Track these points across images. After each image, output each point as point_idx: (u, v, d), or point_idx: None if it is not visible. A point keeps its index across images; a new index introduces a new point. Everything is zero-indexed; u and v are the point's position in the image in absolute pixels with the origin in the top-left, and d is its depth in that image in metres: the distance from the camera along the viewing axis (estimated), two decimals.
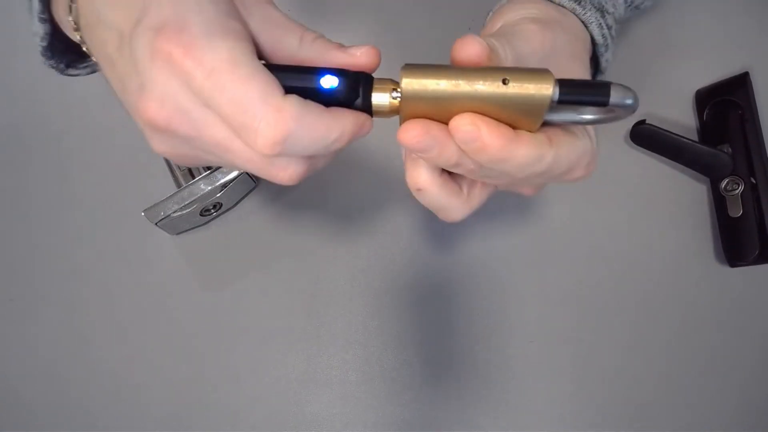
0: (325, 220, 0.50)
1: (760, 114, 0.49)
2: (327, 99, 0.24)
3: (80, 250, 0.50)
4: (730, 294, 0.49)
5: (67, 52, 0.33)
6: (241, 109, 0.22)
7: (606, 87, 0.23)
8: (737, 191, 0.47)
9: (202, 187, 0.45)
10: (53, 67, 0.34)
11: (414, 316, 0.48)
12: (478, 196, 0.29)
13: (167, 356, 0.47)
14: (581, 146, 0.27)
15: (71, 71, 0.35)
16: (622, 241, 0.50)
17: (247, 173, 0.46)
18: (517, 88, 0.23)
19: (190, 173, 0.48)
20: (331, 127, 0.24)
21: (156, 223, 0.45)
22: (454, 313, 0.48)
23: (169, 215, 0.45)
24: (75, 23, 0.27)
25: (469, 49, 0.24)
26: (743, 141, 0.48)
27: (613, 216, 0.50)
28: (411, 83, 0.23)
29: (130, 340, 0.48)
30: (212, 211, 0.48)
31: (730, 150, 0.48)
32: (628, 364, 0.47)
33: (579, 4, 0.34)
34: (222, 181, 0.45)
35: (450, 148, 0.24)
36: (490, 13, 0.35)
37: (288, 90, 0.23)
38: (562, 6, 0.34)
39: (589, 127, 0.28)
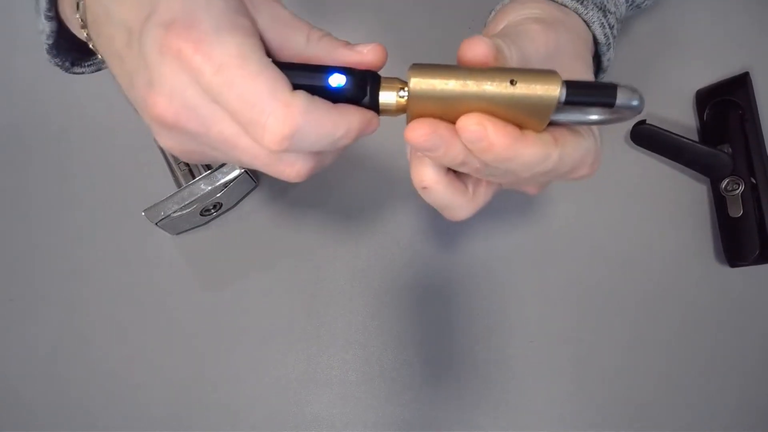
0: (325, 220, 0.50)
1: (760, 114, 0.49)
2: (335, 97, 0.24)
3: (80, 250, 0.50)
4: (730, 294, 0.49)
5: (72, 50, 0.34)
6: (249, 104, 0.22)
7: (612, 88, 0.23)
8: (737, 191, 0.47)
9: (202, 187, 0.45)
10: (58, 65, 0.34)
11: (414, 316, 0.48)
12: (483, 195, 0.29)
13: (167, 356, 0.47)
14: (586, 145, 0.27)
15: (76, 69, 0.35)
16: (622, 241, 0.50)
17: (247, 173, 0.46)
18: (524, 89, 0.23)
19: (191, 173, 0.48)
20: (338, 123, 0.24)
21: (156, 223, 0.45)
22: (454, 313, 0.48)
23: (169, 215, 0.45)
24: (82, 20, 0.27)
25: (477, 49, 0.25)
26: (743, 141, 0.48)
27: (613, 216, 0.50)
28: (419, 83, 0.23)
29: (130, 340, 0.48)
30: (212, 211, 0.48)
31: (730, 150, 0.48)
32: (628, 364, 0.47)
33: (581, 3, 0.34)
34: (222, 181, 0.45)
35: (456, 147, 0.24)
36: (492, 13, 0.35)
37: (296, 88, 0.23)
38: (565, 6, 0.34)
39: (594, 127, 0.28)
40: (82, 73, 0.36)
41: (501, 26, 0.33)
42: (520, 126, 0.25)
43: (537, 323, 0.48)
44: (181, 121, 0.24)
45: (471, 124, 0.23)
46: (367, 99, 0.25)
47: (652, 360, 0.47)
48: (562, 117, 0.25)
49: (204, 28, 0.22)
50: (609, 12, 0.35)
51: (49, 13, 0.30)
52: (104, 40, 0.26)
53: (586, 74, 0.32)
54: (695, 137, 0.52)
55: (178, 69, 0.22)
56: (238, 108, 0.23)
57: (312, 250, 0.49)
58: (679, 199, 0.51)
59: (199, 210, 0.46)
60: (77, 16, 0.27)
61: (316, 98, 0.24)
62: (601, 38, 0.35)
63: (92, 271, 0.49)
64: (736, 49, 0.53)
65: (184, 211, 0.45)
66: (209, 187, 0.45)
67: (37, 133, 0.52)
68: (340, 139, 0.24)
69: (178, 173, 0.48)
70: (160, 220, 0.45)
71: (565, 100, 0.23)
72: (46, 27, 0.31)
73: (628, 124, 0.50)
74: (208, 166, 0.50)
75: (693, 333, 0.48)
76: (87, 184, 0.51)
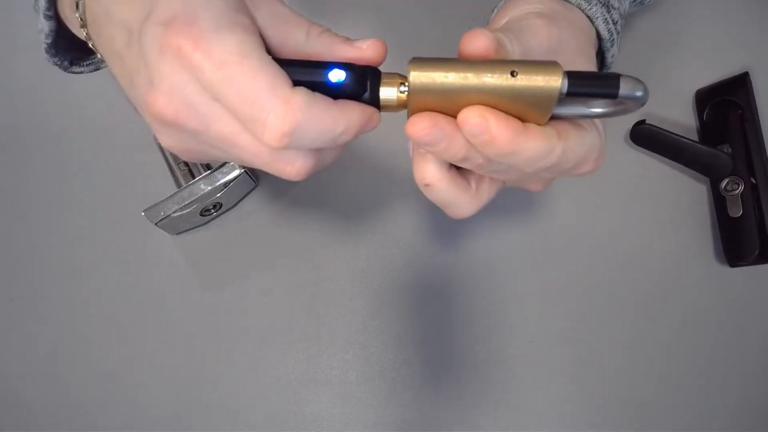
0: (325, 220, 0.50)
1: (760, 114, 0.49)
2: (335, 93, 0.24)
3: (80, 250, 0.50)
4: (730, 294, 0.49)
5: (70, 50, 0.33)
6: (249, 101, 0.22)
7: (615, 79, 0.23)
8: (737, 191, 0.47)
9: (202, 187, 0.45)
10: (57, 65, 0.34)
11: (414, 316, 0.48)
12: (486, 192, 0.29)
13: (167, 356, 0.47)
14: (590, 140, 0.27)
15: (74, 69, 0.35)
16: (622, 241, 0.50)
17: (247, 173, 0.46)
18: (525, 80, 0.23)
19: (190, 173, 0.48)
20: (339, 119, 0.24)
21: (156, 223, 0.45)
22: (454, 313, 0.48)
23: (169, 215, 0.45)
24: (81, 20, 0.27)
25: (477, 42, 0.24)
26: (743, 141, 0.48)
27: (613, 216, 0.50)
28: (419, 76, 0.23)
29: (130, 340, 0.48)
30: (212, 211, 0.48)
31: (730, 150, 0.48)
32: (628, 364, 0.47)
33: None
34: (222, 181, 0.45)
35: (458, 141, 0.24)
36: (495, 10, 0.35)
37: (296, 84, 0.23)
38: (568, 1, 0.34)
39: (597, 121, 0.28)
40: (81, 72, 0.36)
41: (503, 22, 0.32)
42: (523, 119, 0.24)
43: (537, 323, 0.48)
44: (181, 119, 0.24)
45: (472, 117, 0.23)
46: (367, 95, 0.25)
47: (652, 360, 0.47)
48: (565, 110, 0.25)
49: (204, 26, 0.22)
50: (612, 8, 0.35)
51: (48, 13, 0.30)
52: (104, 39, 0.26)
53: (589, 69, 0.32)
54: (695, 137, 0.52)
55: (178, 67, 0.22)
56: (238, 105, 0.22)
57: (312, 250, 0.49)
58: (679, 199, 0.51)
59: (199, 210, 0.46)
60: (76, 15, 0.27)
61: (317, 94, 0.23)
62: (604, 34, 0.35)
63: (92, 271, 0.49)
64: (736, 49, 0.53)
65: (184, 211, 0.45)
66: (209, 187, 0.45)
67: (37, 133, 0.52)
68: (340, 136, 0.24)
69: (178, 173, 0.48)
70: (160, 220, 0.45)
71: (568, 91, 0.23)
72: (44, 26, 0.31)
73: (628, 124, 0.50)
74: (208, 166, 0.50)
75: (693, 333, 0.48)
76: (87, 184, 0.51)
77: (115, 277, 0.49)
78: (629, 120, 0.49)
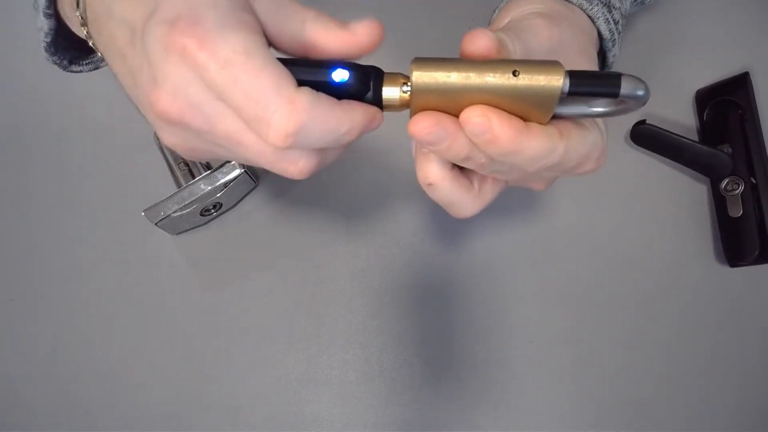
0: (324, 220, 0.50)
1: (760, 114, 0.49)
2: (338, 92, 0.24)
3: (80, 250, 0.50)
4: (730, 294, 0.49)
5: (70, 49, 0.33)
6: (254, 101, 0.22)
7: (617, 78, 0.23)
8: (737, 191, 0.47)
9: (202, 187, 0.45)
10: (56, 63, 0.34)
11: (414, 316, 0.48)
12: (489, 192, 0.29)
13: (167, 356, 0.47)
14: (592, 139, 0.27)
15: (74, 68, 0.35)
16: (622, 241, 0.50)
17: (247, 173, 0.46)
18: (527, 79, 0.23)
19: (190, 173, 0.48)
20: (342, 120, 0.24)
21: (156, 223, 0.45)
22: (454, 313, 0.48)
23: (169, 215, 0.45)
24: (82, 18, 0.27)
25: (479, 42, 0.24)
26: (743, 141, 0.48)
27: (613, 216, 0.50)
28: (421, 76, 0.23)
29: (130, 340, 0.48)
30: (212, 211, 0.48)
31: (730, 150, 0.48)
32: (628, 364, 0.47)
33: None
34: (222, 181, 0.45)
35: (460, 140, 0.24)
36: (496, 11, 0.36)
37: (300, 83, 0.23)
38: (569, 1, 0.34)
39: (599, 120, 0.28)
40: (80, 71, 0.36)
41: (505, 22, 0.32)
42: (525, 119, 0.24)
43: (537, 323, 0.48)
44: (185, 118, 0.24)
45: (475, 116, 0.23)
46: (370, 94, 0.25)
47: (652, 360, 0.47)
48: (567, 110, 0.25)
49: (208, 26, 0.22)
50: (614, 8, 0.35)
51: (48, 11, 0.30)
52: (105, 38, 0.26)
53: (590, 69, 0.32)
54: (695, 137, 0.52)
55: (183, 66, 0.22)
56: (243, 104, 0.22)
57: (312, 250, 0.49)
58: (679, 199, 0.51)
59: (199, 210, 0.46)
60: (77, 13, 0.27)
61: (321, 95, 0.23)
62: (606, 34, 0.35)
63: (92, 271, 0.49)
64: (736, 49, 0.53)
65: (184, 211, 0.45)
66: (209, 187, 0.45)
67: (37, 133, 0.52)
68: (344, 136, 0.24)
69: (178, 173, 0.48)
70: (160, 220, 0.45)
71: (569, 90, 0.23)
72: (44, 25, 0.31)
73: (628, 124, 0.50)
74: (208, 166, 0.50)
75: (693, 333, 0.48)
76: (87, 184, 0.51)
77: (115, 277, 0.49)
78: (629, 120, 0.49)
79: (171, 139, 0.26)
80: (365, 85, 0.25)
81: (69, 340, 0.48)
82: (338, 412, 0.46)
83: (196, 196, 0.45)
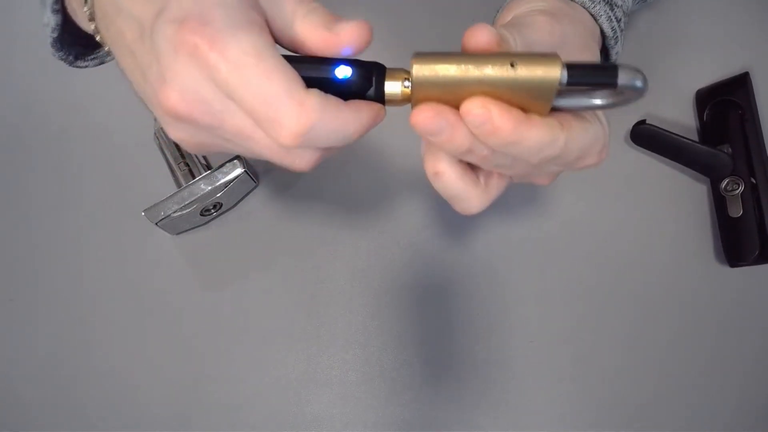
0: (324, 220, 0.50)
1: (760, 114, 0.49)
2: (341, 88, 0.25)
3: (80, 250, 0.50)
4: (730, 294, 0.49)
5: (76, 44, 0.34)
6: (265, 103, 0.23)
7: (614, 69, 0.23)
8: (737, 191, 0.47)
9: (202, 187, 0.45)
10: (62, 59, 0.34)
11: (414, 316, 0.48)
12: (495, 188, 0.29)
13: (167, 356, 0.47)
14: (593, 132, 0.27)
15: (80, 63, 0.35)
16: (622, 241, 0.50)
17: (247, 173, 0.46)
18: (525, 71, 0.23)
19: (190, 173, 0.48)
20: (350, 121, 0.25)
21: (156, 223, 0.45)
22: (454, 313, 0.48)
23: (169, 215, 0.45)
24: (90, 14, 0.27)
25: (480, 36, 0.25)
26: (743, 141, 0.48)
27: (613, 216, 0.50)
28: (421, 69, 0.23)
29: (130, 340, 0.48)
30: (212, 211, 0.48)
31: (730, 150, 0.48)
32: (628, 364, 0.47)
33: None
34: (222, 181, 0.45)
35: (462, 131, 0.24)
36: (500, 10, 0.36)
37: (303, 79, 0.24)
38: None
39: (601, 114, 0.28)
40: (86, 66, 0.36)
41: (507, 19, 0.33)
42: (525, 111, 0.24)
43: (537, 323, 0.48)
44: (194, 114, 0.24)
45: (475, 108, 0.23)
46: (372, 90, 0.25)
47: (652, 360, 0.47)
48: (566, 102, 0.25)
49: (218, 26, 0.22)
50: (616, 5, 0.35)
51: (55, 6, 0.30)
52: (114, 34, 0.26)
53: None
54: (695, 137, 0.52)
55: (192, 65, 0.22)
56: (254, 106, 0.23)
57: (312, 250, 0.49)
58: (679, 199, 0.51)
59: (199, 210, 0.46)
60: (85, 9, 0.27)
61: (329, 96, 0.24)
62: (608, 32, 0.35)
63: (92, 271, 0.49)
64: (736, 49, 0.53)
65: (184, 211, 0.45)
66: (209, 187, 0.45)
67: (37, 133, 0.52)
68: (350, 135, 0.25)
69: (178, 173, 0.48)
70: (160, 220, 0.45)
71: (567, 81, 0.23)
72: (51, 20, 0.31)
73: (628, 124, 0.50)
74: (208, 166, 0.50)
75: (693, 333, 0.48)
76: (87, 184, 0.51)
77: (116, 277, 0.49)
78: (629, 120, 0.50)
79: (179, 134, 0.26)
80: (368, 80, 0.25)
81: (69, 340, 0.48)
82: (338, 412, 0.46)
83: (196, 196, 0.45)
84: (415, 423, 0.46)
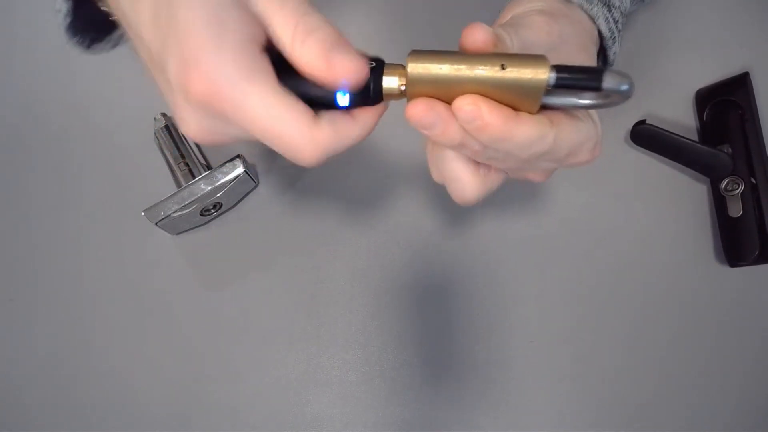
0: (324, 220, 0.50)
1: (760, 114, 0.49)
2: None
3: (80, 250, 0.50)
4: (730, 294, 0.49)
5: (90, 29, 0.34)
6: (282, 143, 0.25)
7: (600, 73, 0.24)
8: (737, 191, 0.47)
9: (202, 187, 0.45)
10: (78, 44, 0.35)
11: (414, 316, 0.48)
12: (492, 179, 0.30)
13: (167, 356, 0.47)
14: (584, 129, 0.27)
15: (96, 47, 0.36)
16: (622, 241, 0.50)
17: (247, 173, 0.46)
18: (515, 72, 0.24)
19: (190, 173, 0.48)
20: (358, 132, 0.27)
21: (156, 223, 0.45)
22: (454, 313, 0.48)
23: (169, 215, 0.45)
24: None
25: (477, 35, 0.26)
26: (743, 141, 0.48)
27: (613, 216, 0.50)
28: (416, 67, 0.25)
29: (131, 340, 0.48)
30: (212, 211, 0.48)
31: (730, 150, 0.48)
32: (628, 364, 0.47)
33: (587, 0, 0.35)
34: (222, 181, 0.45)
35: (454, 126, 0.25)
36: (502, 10, 0.36)
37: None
38: (570, 1, 0.34)
39: (593, 113, 0.29)
40: (102, 51, 0.36)
41: (506, 19, 0.33)
42: (515, 109, 0.25)
43: (537, 323, 0.48)
44: (214, 101, 0.24)
45: (465, 104, 0.24)
46: (371, 84, 0.26)
47: (652, 360, 0.47)
48: (557, 100, 0.26)
49: (224, 79, 0.23)
50: (614, 7, 0.36)
51: None
52: (129, 11, 0.27)
53: (589, 65, 0.32)
54: (695, 137, 0.52)
55: (204, 109, 0.25)
56: (272, 143, 0.25)
57: (312, 250, 0.49)
58: (679, 199, 0.51)
59: (199, 210, 0.46)
60: None
61: (336, 120, 0.26)
62: (606, 33, 0.35)
63: (92, 271, 0.49)
64: (736, 49, 0.53)
65: (184, 211, 0.45)
66: (209, 187, 0.45)
67: (37, 133, 0.52)
68: (359, 139, 0.27)
69: (178, 173, 0.48)
70: (160, 220, 0.45)
71: (555, 83, 0.24)
72: (63, 6, 0.31)
73: (628, 124, 0.50)
74: (208, 166, 0.50)
75: (693, 333, 0.48)
76: (87, 184, 0.51)
77: (115, 277, 0.49)
78: (629, 120, 0.50)
79: (194, 123, 0.26)
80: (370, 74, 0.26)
81: (69, 340, 0.48)
82: (338, 412, 0.46)
83: (196, 196, 0.45)
84: (415, 423, 0.46)
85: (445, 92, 0.25)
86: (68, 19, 0.32)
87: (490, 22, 0.36)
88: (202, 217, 0.48)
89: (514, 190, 0.50)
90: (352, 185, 0.51)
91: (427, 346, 0.47)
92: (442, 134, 0.25)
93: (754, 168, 0.47)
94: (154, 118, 0.49)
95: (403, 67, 0.26)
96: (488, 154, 0.27)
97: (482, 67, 0.24)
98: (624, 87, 0.24)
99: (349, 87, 0.26)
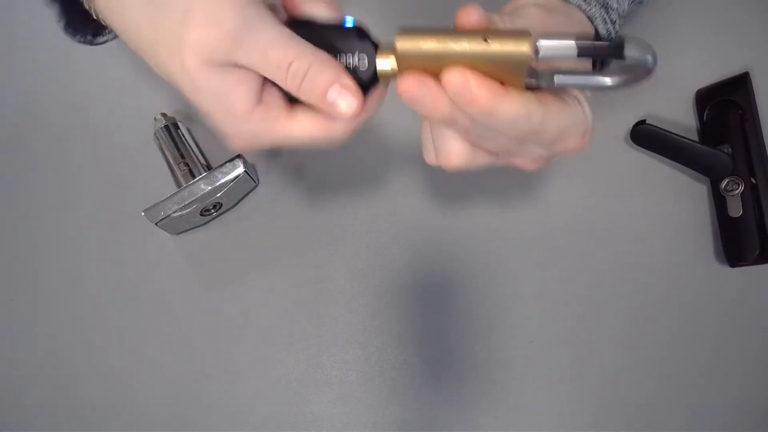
0: (325, 220, 0.50)
1: (760, 114, 0.49)
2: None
3: (80, 250, 0.50)
4: (730, 294, 0.49)
5: (89, 22, 0.34)
6: (298, 66, 0.27)
7: (621, 40, 0.24)
8: (737, 191, 0.47)
9: (202, 187, 0.45)
10: (81, 41, 0.35)
11: (414, 316, 0.48)
12: (481, 156, 0.30)
13: (167, 356, 0.47)
14: (573, 114, 0.28)
15: (99, 39, 0.36)
16: (622, 241, 0.50)
17: (247, 173, 0.46)
18: (498, 46, 0.25)
19: (190, 173, 0.48)
20: (373, 106, 0.29)
21: (156, 223, 0.45)
22: (454, 313, 0.48)
23: (169, 215, 0.45)
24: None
25: (470, 16, 0.27)
26: (743, 141, 0.48)
27: (613, 216, 0.50)
28: (405, 43, 0.26)
29: (130, 340, 0.48)
30: (212, 211, 0.48)
31: (730, 150, 0.48)
32: (628, 364, 0.47)
33: (585, 0, 0.35)
34: (222, 181, 0.45)
35: (444, 100, 0.26)
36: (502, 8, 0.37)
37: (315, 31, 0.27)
38: (568, 1, 0.35)
39: (584, 100, 0.29)
40: (106, 41, 0.36)
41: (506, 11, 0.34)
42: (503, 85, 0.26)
43: (537, 323, 0.48)
44: (220, 41, 0.26)
45: (454, 77, 0.25)
46: (366, 65, 0.28)
47: (652, 360, 0.47)
48: (573, 80, 0.26)
49: (229, 22, 0.25)
50: (611, 9, 0.37)
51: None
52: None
53: (582, 62, 0.33)
54: (695, 137, 0.52)
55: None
56: (286, 70, 0.27)
57: (312, 250, 0.49)
58: (679, 199, 0.51)
59: (199, 210, 0.46)
60: None
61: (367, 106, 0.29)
62: (603, 33, 0.36)
63: (92, 271, 0.49)
64: (736, 49, 0.53)
65: (184, 211, 0.45)
66: (209, 187, 0.45)
67: (37, 133, 0.52)
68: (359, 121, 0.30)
69: (178, 173, 0.48)
70: (160, 220, 0.45)
71: (578, 52, 0.25)
72: (54, 10, 0.32)
73: (628, 124, 0.50)
74: (208, 166, 0.50)
75: (693, 333, 0.48)
76: (87, 184, 0.51)
77: (115, 277, 0.49)
78: (629, 120, 0.50)
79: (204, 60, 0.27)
80: (360, 41, 0.28)
81: (69, 340, 0.48)
82: (338, 412, 0.46)
83: (196, 196, 0.45)
84: (415, 423, 0.46)
85: (434, 67, 0.26)
86: (62, 22, 0.33)
87: None
88: (202, 217, 0.48)
89: (515, 190, 0.51)
90: (352, 185, 0.51)
91: (427, 346, 0.47)
92: (433, 108, 0.26)
93: (754, 168, 0.47)
94: (154, 118, 0.49)
95: (395, 48, 0.27)
96: (478, 132, 0.27)
97: (467, 41, 0.25)
98: (648, 56, 0.24)
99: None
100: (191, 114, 0.52)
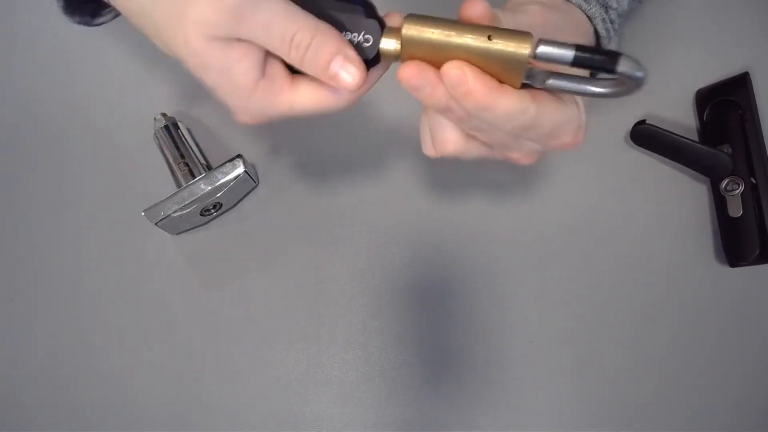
0: (325, 220, 0.50)
1: (760, 114, 0.49)
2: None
3: (80, 250, 0.50)
4: (730, 294, 0.49)
5: (86, 4, 0.34)
6: (301, 37, 0.27)
7: (616, 55, 0.25)
8: (737, 191, 0.47)
9: (202, 187, 0.45)
10: (80, 23, 0.35)
11: (414, 316, 0.48)
12: (475, 147, 0.31)
13: (167, 356, 0.47)
14: (568, 111, 0.28)
15: (99, 20, 0.36)
16: (621, 241, 0.50)
17: (247, 173, 0.46)
18: (500, 44, 0.25)
19: (190, 173, 0.48)
20: (372, 79, 0.30)
21: (156, 223, 0.45)
22: (454, 313, 0.48)
23: (169, 215, 0.45)
24: None
25: (475, 8, 0.27)
26: (743, 141, 0.48)
27: (613, 216, 0.50)
28: (410, 29, 0.26)
29: (130, 340, 0.48)
30: (212, 211, 0.48)
31: (730, 150, 0.48)
32: (628, 364, 0.47)
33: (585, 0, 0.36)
34: (222, 181, 0.45)
35: (440, 89, 0.26)
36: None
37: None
38: (569, 1, 0.36)
39: (578, 99, 0.30)
40: (105, 22, 0.37)
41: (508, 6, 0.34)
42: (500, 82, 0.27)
43: (537, 323, 0.48)
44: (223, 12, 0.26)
45: (453, 69, 0.26)
46: (371, 44, 0.28)
47: (652, 360, 0.47)
48: (566, 85, 0.27)
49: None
50: (610, 8, 0.37)
51: None
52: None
53: None
54: (695, 137, 0.52)
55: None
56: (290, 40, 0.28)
57: (312, 249, 0.49)
58: (679, 199, 0.51)
59: (199, 210, 0.46)
60: None
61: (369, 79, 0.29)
62: (602, 32, 0.37)
63: (92, 271, 0.49)
64: (736, 49, 0.53)
65: (184, 211, 0.45)
66: (209, 187, 0.45)
67: (37, 133, 0.52)
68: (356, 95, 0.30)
69: (178, 173, 0.48)
70: (160, 220, 0.45)
71: (573, 61, 0.25)
72: None
73: (628, 124, 0.50)
74: (208, 166, 0.50)
75: (693, 333, 0.48)
76: (87, 184, 0.51)
77: (115, 277, 0.49)
78: (629, 120, 0.50)
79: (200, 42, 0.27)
80: (372, 17, 0.28)
81: (69, 340, 0.48)
82: (338, 412, 0.46)
83: (196, 196, 0.45)
84: (415, 423, 0.46)
85: (436, 57, 0.26)
86: (61, 2, 0.33)
87: None
88: (202, 217, 0.48)
89: (515, 191, 0.51)
90: (352, 185, 0.51)
91: (427, 346, 0.47)
92: (430, 96, 0.27)
93: (754, 168, 0.47)
94: (154, 118, 0.49)
95: (400, 30, 0.28)
96: (473, 123, 0.28)
97: (471, 36, 0.25)
98: (639, 73, 0.25)
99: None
100: (191, 114, 0.52)
